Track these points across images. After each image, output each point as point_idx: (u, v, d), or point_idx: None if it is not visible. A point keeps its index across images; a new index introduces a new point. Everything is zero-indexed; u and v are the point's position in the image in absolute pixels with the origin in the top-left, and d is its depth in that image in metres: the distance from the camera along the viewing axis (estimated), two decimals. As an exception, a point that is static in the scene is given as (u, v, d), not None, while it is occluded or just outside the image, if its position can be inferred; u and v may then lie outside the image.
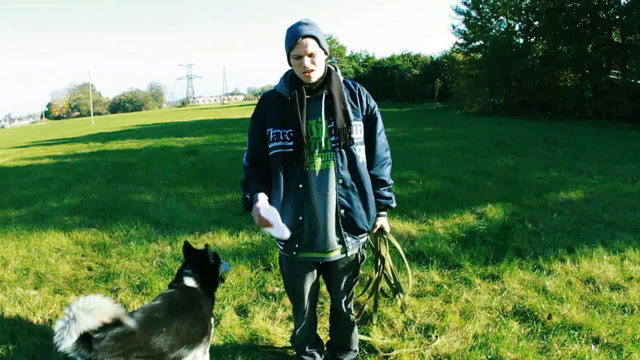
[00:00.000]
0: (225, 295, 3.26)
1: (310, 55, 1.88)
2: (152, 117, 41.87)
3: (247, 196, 1.97)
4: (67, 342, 1.65)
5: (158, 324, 1.97)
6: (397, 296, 2.40)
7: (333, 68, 2.04)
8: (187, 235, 4.56)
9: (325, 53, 1.95)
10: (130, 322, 1.81)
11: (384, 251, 2.27)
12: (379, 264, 2.33)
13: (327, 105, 1.95)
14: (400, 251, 2.32)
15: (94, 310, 1.70)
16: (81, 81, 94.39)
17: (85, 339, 1.71)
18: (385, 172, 2.15)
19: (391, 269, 2.34)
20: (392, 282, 2.37)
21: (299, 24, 1.90)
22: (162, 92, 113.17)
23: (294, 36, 1.87)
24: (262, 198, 1.91)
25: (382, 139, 2.14)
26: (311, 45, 1.87)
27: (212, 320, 2.29)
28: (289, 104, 1.95)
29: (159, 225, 5.03)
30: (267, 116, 2.01)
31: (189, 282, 2.26)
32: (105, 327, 1.79)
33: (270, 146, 1.98)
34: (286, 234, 1.83)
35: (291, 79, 2.00)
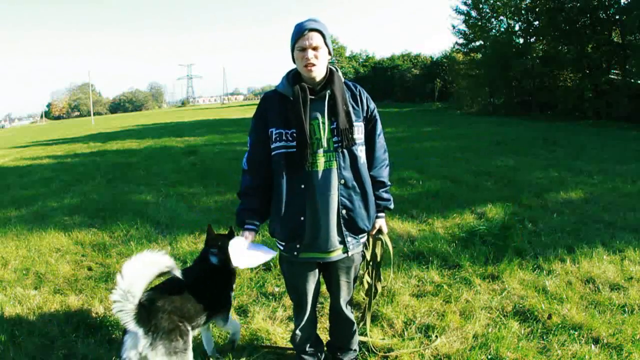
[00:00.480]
0: (225, 295, 3.26)
1: (314, 49, 1.90)
2: (152, 117, 41.87)
3: (238, 218, 2.11)
4: (126, 317, 1.86)
5: (186, 290, 2.15)
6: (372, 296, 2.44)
7: (335, 69, 2.05)
8: (187, 235, 4.56)
9: (329, 53, 1.97)
10: (178, 273, 2.00)
11: (379, 252, 2.29)
12: (372, 264, 2.34)
13: (330, 105, 1.96)
14: (391, 254, 2.32)
15: (151, 264, 1.93)
16: (81, 81, 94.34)
17: (140, 309, 1.89)
18: (384, 174, 2.17)
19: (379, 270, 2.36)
20: (374, 282, 2.39)
21: (307, 20, 1.93)
22: (162, 92, 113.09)
23: (301, 29, 1.90)
24: (237, 245, 2.03)
25: (381, 141, 2.16)
26: (316, 38, 1.89)
27: (232, 293, 2.45)
28: (292, 103, 1.95)
29: (159, 225, 5.02)
30: (270, 116, 2.01)
31: (212, 259, 2.39)
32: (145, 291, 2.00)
33: (272, 146, 1.99)
34: (262, 258, 2.07)
35: (293, 79, 2.01)
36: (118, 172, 8.84)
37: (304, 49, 1.89)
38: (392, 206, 2.24)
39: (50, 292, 3.48)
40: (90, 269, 3.95)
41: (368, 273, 2.40)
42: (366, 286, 2.45)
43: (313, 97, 1.96)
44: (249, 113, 30.13)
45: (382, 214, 2.22)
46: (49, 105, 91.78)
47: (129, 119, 42.81)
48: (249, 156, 2.08)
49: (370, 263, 2.34)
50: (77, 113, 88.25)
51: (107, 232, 4.88)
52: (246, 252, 2.05)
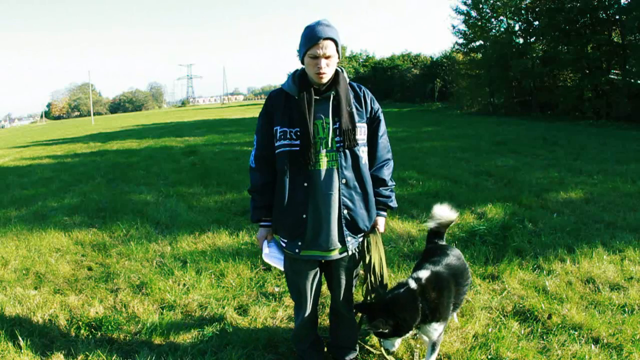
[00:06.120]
0: (225, 295, 3.26)
1: (327, 58, 1.91)
2: (152, 117, 41.88)
3: (254, 216, 2.15)
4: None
5: None
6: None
7: (340, 70, 2.06)
8: (187, 235, 4.56)
9: (339, 57, 1.98)
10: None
11: (373, 252, 2.23)
12: (368, 263, 2.30)
13: (333, 106, 1.98)
14: (382, 257, 2.25)
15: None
16: (81, 81, 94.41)
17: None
18: (386, 173, 2.18)
19: (380, 269, 2.29)
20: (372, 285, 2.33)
21: (319, 23, 1.91)
22: (162, 92, 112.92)
23: (315, 37, 1.88)
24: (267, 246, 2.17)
25: (384, 141, 2.17)
26: (330, 48, 1.90)
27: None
28: (296, 103, 1.97)
29: (159, 225, 5.03)
30: (275, 115, 2.03)
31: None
32: None
33: (276, 144, 2.02)
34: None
35: (299, 79, 2.02)
36: (118, 172, 8.84)
37: (316, 57, 1.90)
38: (392, 204, 2.22)
39: (50, 292, 3.48)
40: (90, 269, 3.95)
41: (369, 280, 2.36)
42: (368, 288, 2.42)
43: (318, 97, 1.98)
44: (249, 113, 30.19)
45: (383, 212, 2.21)
46: (49, 105, 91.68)
47: (129, 119, 42.81)
48: (256, 154, 2.11)
49: (371, 267, 2.31)
50: (77, 113, 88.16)
51: (107, 232, 4.88)
52: (275, 255, 2.18)
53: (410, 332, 2.15)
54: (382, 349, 2.47)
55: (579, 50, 16.02)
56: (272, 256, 2.16)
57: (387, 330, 2.04)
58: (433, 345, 2.27)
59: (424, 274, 2.21)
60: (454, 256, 2.43)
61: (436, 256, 2.39)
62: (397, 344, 2.13)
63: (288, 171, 1.98)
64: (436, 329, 2.18)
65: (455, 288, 2.29)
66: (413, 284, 2.16)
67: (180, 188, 6.90)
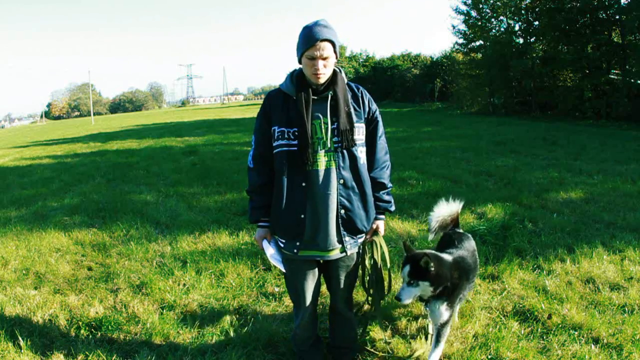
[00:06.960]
0: (225, 295, 3.26)
1: (324, 59, 1.91)
2: (152, 117, 41.85)
3: (252, 217, 2.15)
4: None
5: None
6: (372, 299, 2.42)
7: (338, 70, 2.05)
8: (187, 235, 4.56)
9: (336, 58, 1.98)
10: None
11: (376, 254, 2.26)
12: (372, 271, 2.31)
13: (331, 106, 1.98)
14: (387, 259, 2.27)
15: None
16: (81, 81, 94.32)
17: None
18: (385, 175, 2.18)
19: (380, 270, 2.31)
20: (373, 286, 2.34)
21: (317, 24, 1.91)
22: (162, 92, 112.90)
23: (312, 38, 1.88)
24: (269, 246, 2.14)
25: (382, 143, 2.17)
26: (328, 49, 1.89)
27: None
28: (294, 103, 1.96)
29: (159, 225, 5.03)
30: (273, 115, 2.03)
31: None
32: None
33: (274, 144, 2.01)
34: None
35: (297, 79, 2.02)
36: (118, 172, 8.84)
37: (314, 59, 1.90)
38: (392, 208, 2.24)
39: (50, 292, 3.48)
40: (90, 269, 3.95)
41: (368, 281, 2.36)
42: (369, 289, 2.42)
43: (315, 97, 1.98)
44: (249, 113, 30.17)
45: (382, 216, 2.23)
46: (49, 105, 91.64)
47: (129, 119, 42.78)
48: (254, 154, 2.11)
49: (370, 270, 2.31)
50: (77, 113, 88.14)
51: (107, 232, 4.88)
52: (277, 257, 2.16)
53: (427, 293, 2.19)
54: (380, 353, 2.47)
55: (579, 50, 16.01)
56: (276, 258, 2.14)
57: (432, 269, 2.13)
58: (438, 337, 2.31)
59: (448, 256, 2.34)
60: (469, 251, 2.53)
61: (453, 247, 2.52)
62: (412, 297, 2.20)
63: (286, 171, 1.98)
64: (442, 313, 2.25)
65: (466, 282, 2.39)
66: (448, 256, 2.32)
67: (180, 188, 6.90)
